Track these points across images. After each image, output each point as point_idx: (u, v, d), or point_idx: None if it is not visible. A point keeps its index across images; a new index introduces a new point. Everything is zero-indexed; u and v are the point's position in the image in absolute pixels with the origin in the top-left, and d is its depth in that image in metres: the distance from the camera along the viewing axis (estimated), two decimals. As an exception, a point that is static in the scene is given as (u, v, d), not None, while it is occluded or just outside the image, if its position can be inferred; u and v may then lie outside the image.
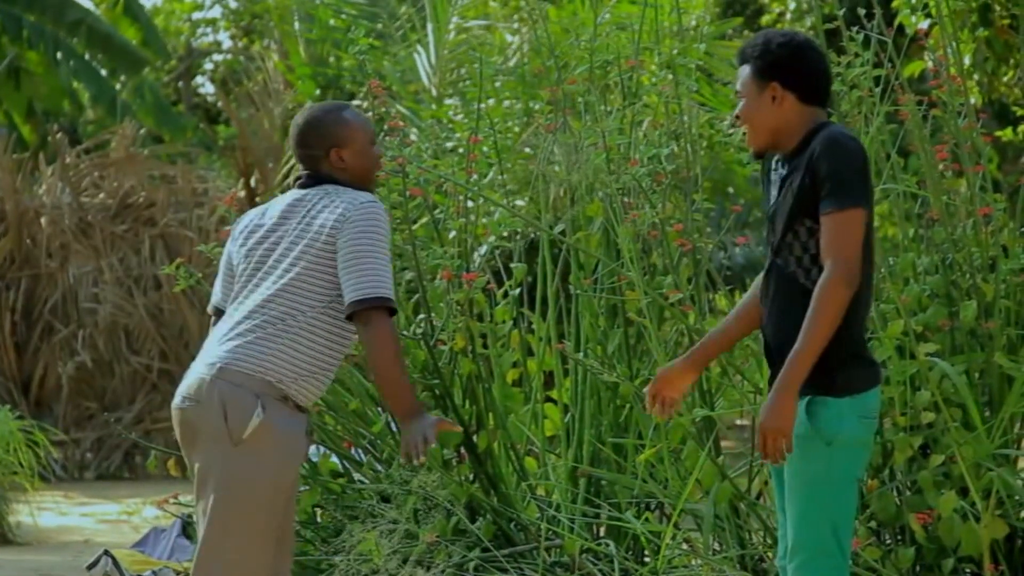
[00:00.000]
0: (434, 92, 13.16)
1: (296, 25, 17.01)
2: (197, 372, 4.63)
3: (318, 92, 16.34)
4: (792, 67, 4.38)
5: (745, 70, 4.44)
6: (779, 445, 4.20)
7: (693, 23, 7.73)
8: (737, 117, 4.46)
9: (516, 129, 10.48)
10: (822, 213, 4.24)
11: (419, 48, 13.60)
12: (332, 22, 15.94)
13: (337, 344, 4.67)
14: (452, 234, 6.63)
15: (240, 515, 4.57)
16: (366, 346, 4.60)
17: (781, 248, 4.36)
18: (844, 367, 4.28)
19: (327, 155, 4.76)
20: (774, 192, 4.44)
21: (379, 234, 4.61)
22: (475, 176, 6.63)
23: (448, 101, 12.91)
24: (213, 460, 4.58)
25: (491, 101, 11.06)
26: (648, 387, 4.59)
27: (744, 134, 4.48)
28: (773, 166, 4.49)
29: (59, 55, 18.17)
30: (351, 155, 4.77)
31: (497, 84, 11.60)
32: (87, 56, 18.99)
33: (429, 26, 13.50)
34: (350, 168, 4.78)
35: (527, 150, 10.14)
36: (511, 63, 12.70)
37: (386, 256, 4.61)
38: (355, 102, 15.27)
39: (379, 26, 14.69)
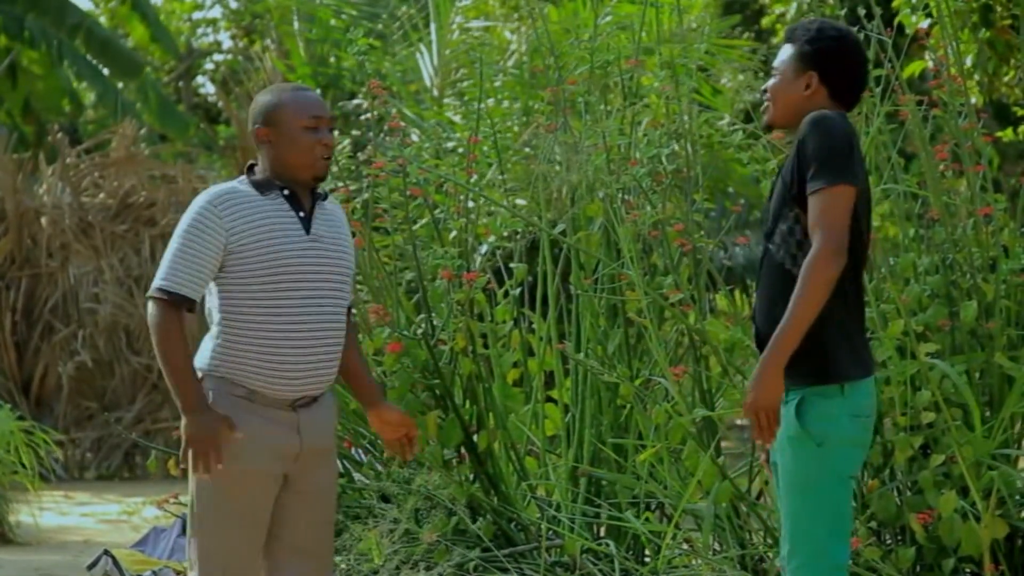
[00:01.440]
0: (435, 92, 13.17)
1: (296, 25, 17.01)
2: None
3: (318, 92, 16.34)
4: (836, 63, 4.38)
5: (789, 49, 4.43)
6: (769, 420, 4.18)
7: (693, 24, 7.73)
8: (764, 91, 4.47)
9: (516, 129, 10.49)
10: (810, 192, 4.22)
11: (421, 48, 13.61)
12: (332, 22, 15.94)
13: (260, 328, 4.57)
14: (453, 234, 6.64)
15: (204, 510, 4.61)
16: None
17: (772, 234, 4.36)
18: (835, 352, 4.26)
19: (255, 132, 4.66)
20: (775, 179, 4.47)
21: (184, 226, 4.56)
22: (475, 176, 6.64)
23: (448, 100, 12.91)
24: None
25: (491, 101, 11.06)
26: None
27: (764, 108, 4.48)
28: None
29: (62, 55, 18.18)
30: (277, 136, 4.63)
31: (497, 83, 11.60)
32: (89, 56, 19.00)
33: (432, 26, 13.50)
34: (278, 151, 4.63)
35: (527, 150, 10.15)
36: (511, 63, 12.70)
37: (181, 245, 4.53)
38: (355, 102, 15.31)
39: (379, 26, 14.69)
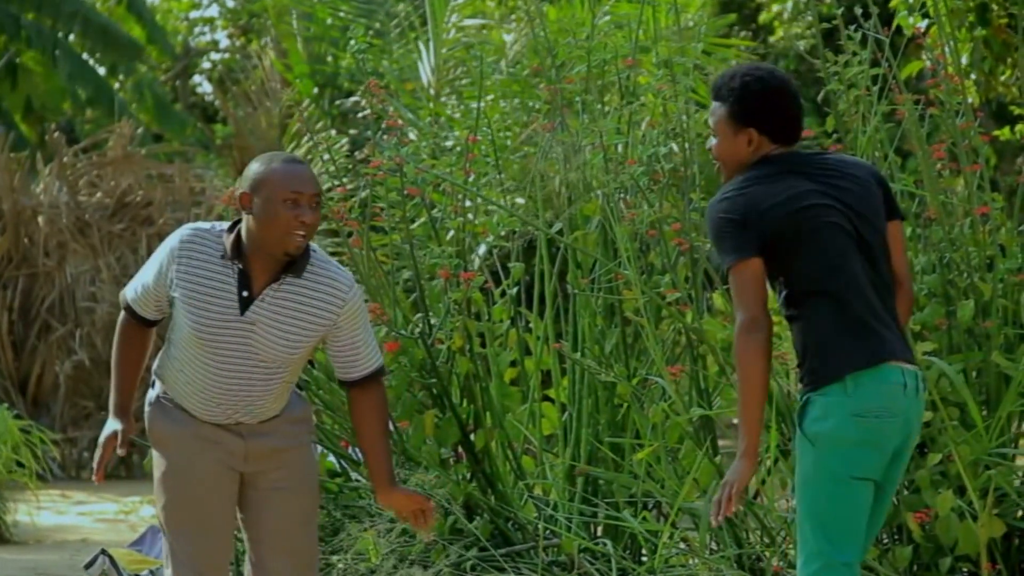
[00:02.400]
0: (432, 91, 13.16)
1: (294, 24, 16.99)
2: None
3: (316, 91, 16.33)
4: (768, 114, 4.49)
5: (721, 110, 4.52)
6: (724, 505, 4.38)
7: (690, 23, 7.73)
8: (710, 150, 4.59)
9: (516, 129, 10.49)
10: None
11: (419, 47, 13.60)
12: (329, 20, 15.92)
13: (171, 358, 4.73)
14: (450, 233, 6.63)
15: (160, 510, 4.73)
16: None
17: None
18: (826, 356, 4.34)
19: (240, 196, 4.62)
20: None
21: (158, 249, 4.73)
22: (473, 176, 6.63)
23: (445, 100, 12.90)
24: None
25: (489, 98, 11.06)
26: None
27: (717, 168, 4.62)
28: None
29: (57, 55, 18.15)
30: (257, 204, 4.57)
31: (495, 80, 11.59)
32: (85, 56, 18.98)
33: (429, 25, 13.49)
34: (256, 220, 4.57)
35: (525, 147, 10.14)
36: (508, 62, 12.70)
37: (146, 265, 4.75)
38: (352, 99, 15.30)
39: (377, 24, 14.69)
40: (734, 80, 4.50)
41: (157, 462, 4.74)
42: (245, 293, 4.58)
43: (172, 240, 4.67)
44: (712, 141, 4.56)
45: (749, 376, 4.34)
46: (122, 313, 4.79)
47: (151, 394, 4.79)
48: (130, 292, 4.76)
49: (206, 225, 4.68)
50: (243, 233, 4.62)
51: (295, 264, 4.59)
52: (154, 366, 4.80)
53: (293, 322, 4.62)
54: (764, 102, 4.47)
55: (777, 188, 4.41)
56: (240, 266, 4.59)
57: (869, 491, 4.37)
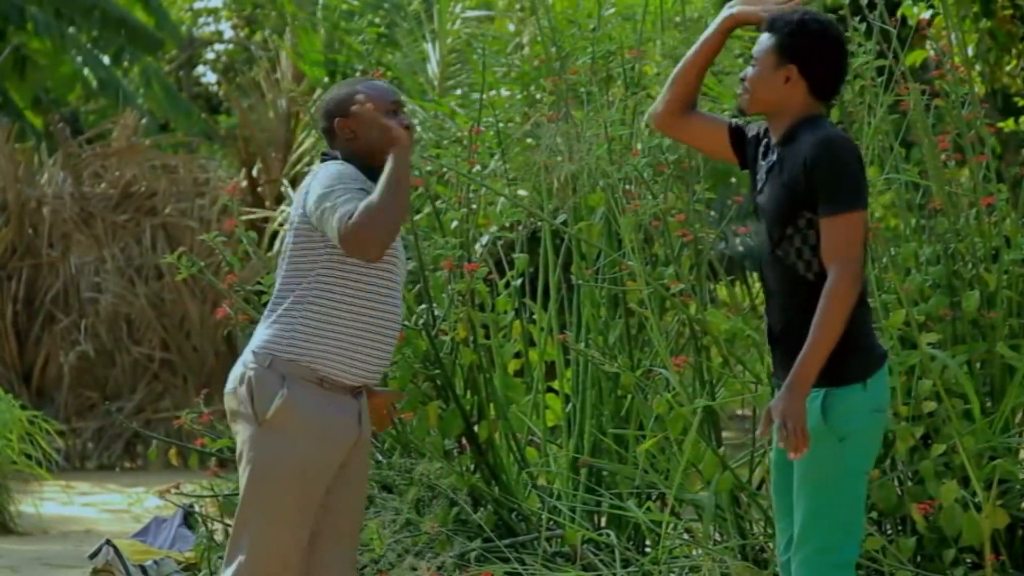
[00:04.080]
0: (436, 84, 13.16)
1: (316, 12, 16.97)
2: (240, 359, 4.72)
3: (326, 80, 16.31)
4: (817, 58, 4.35)
5: (769, 40, 4.38)
6: (801, 437, 4.18)
7: (696, 14, 7.72)
8: (743, 79, 4.44)
9: (517, 119, 10.48)
10: (823, 216, 4.25)
11: (426, 37, 13.60)
12: (344, 7, 15.90)
13: (347, 313, 4.62)
14: (454, 224, 6.63)
15: (265, 495, 4.61)
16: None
17: (781, 240, 4.35)
18: (854, 355, 4.28)
19: (333, 126, 4.74)
20: (761, 176, 4.44)
21: (334, 177, 4.58)
22: (477, 166, 6.63)
23: (456, 92, 12.90)
24: (244, 441, 4.64)
25: (493, 92, 11.05)
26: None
27: (740, 94, 4.45)
28: (762, 151, 4.48)
29: (65, 44, 18.17)
30: (360, 126, 4.71)
31: (499, 74, 11.59)
32: (95, 34, 18.98)
33: (435, 17, 13.49)
34: (362, 138, 4.70)
35: (529, 140, 10.14)
36: (513, 53, 12.69)
37: (348, 190, 4.53)
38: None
39: (382, 14, 14.68)
40: (794, 15, 4.37)
41: (274, 444, 4.59)
42: None
43: (339, 165, 4.64)
44: (749, 70, 4.42)
45: (840, 326, 4.17)
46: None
47: (273, 375, 4.59)
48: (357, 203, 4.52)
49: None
50: (352, 160, 4.71)
51: None
52: (281, 352, 4.61)
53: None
54: (817, 44, 4.34)
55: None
56: None
57: None
